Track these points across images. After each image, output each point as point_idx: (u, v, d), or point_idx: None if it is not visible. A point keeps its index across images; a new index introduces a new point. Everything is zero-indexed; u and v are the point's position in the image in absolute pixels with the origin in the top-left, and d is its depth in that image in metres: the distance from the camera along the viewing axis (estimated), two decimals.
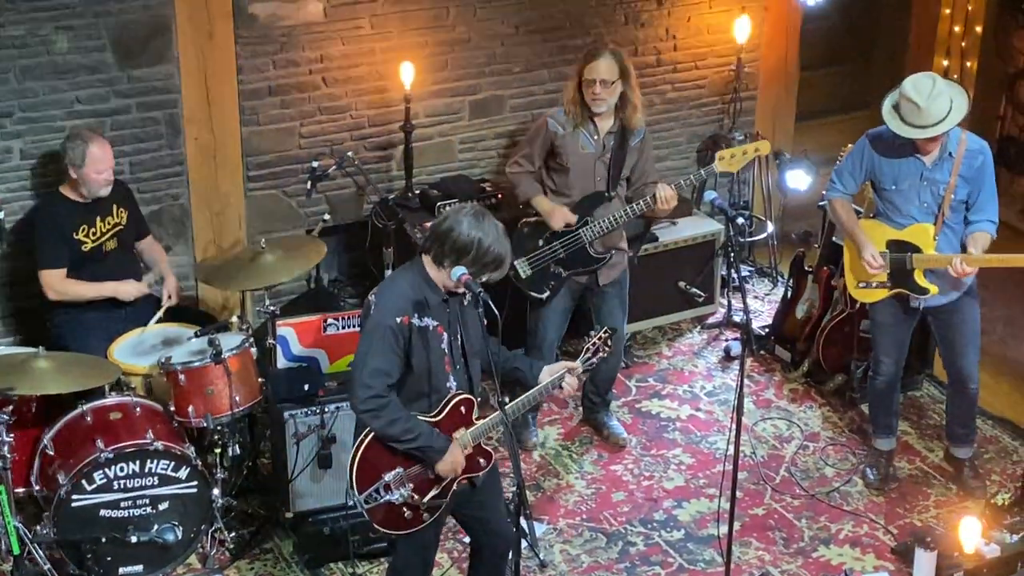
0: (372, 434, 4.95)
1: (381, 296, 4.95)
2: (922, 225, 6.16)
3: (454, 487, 5.10)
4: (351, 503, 5.05)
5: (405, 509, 5.04)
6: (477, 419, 5.08)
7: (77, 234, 6.45)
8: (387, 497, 5.00)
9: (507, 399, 5.05)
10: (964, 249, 6.14)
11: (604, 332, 5.27)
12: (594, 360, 5.28)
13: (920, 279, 6.19)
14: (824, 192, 6.58)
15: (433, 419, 5.01)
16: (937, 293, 6.19)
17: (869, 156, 6.23)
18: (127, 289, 6.53)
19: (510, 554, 5.27)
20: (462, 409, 5.05)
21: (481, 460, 5.13)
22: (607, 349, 5.27)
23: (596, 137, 6.42)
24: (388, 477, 4.99)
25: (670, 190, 6.33)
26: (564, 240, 6.48)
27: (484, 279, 4.97)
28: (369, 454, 4.98)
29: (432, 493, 5.06)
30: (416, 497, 5.03)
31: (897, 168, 6.16)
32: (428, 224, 7.13)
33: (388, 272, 6.80)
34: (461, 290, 4.94)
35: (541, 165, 6.55)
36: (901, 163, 6.15)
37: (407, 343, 4.88)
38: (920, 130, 5.95)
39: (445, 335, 4.96)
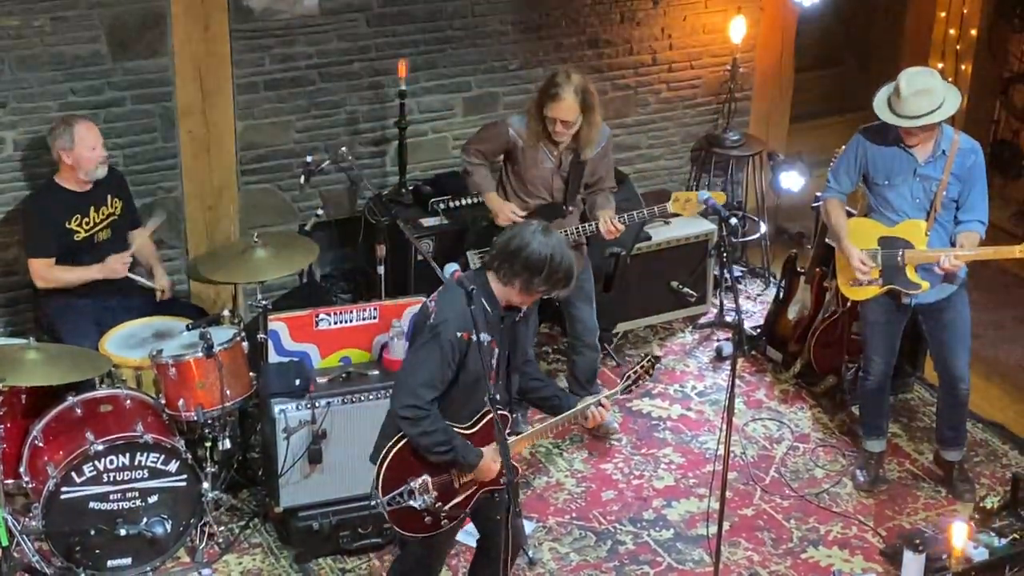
0: (405, 439, 4.94)
1: (444, 307, 4.90)
2: (914, 221, 6.19)
3: (476, 497, 5.10)
4: (373, 503, 5.04)
5: (426, 515, 5.03)
6: (509, 435, 5.07)
7: (70, 223, 6.44)
8: (410, 502, 4.98)
9: (498, 396, 5.05)
10: (953, 247, 6.16)
11: (647, 361, 5.26)
12: (633, 388, 5.28)
13: (912, 275, 6.21)
14: (818, 194, 6.59)
15: (467, 431, 5.00)
16: (929, 288, 6.21)
17: (863, 150, 6.27)
18: (113, 267, 6.49)
19: (460, 534, 5.32)
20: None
21: None
22: (649, 377, 5.28)
23: (555, 152, 6.42)
24: (413, 484, 4.98)
25: (617, 224, 6.37)
26: None
27: (554, 295, 4.99)
28: (398, 458, 4.97)
29: (455, 502, 5.06)
30: (439, 505, 5.03)
31: (890, 163, 6.19)
32: (423, 226, 7.19)
33: (380, 269, 6.80)
34: (528, 305, 4.96)
35: (494, 159, 6.59)
36: (894, 158, 6.18)
37: (463, 357, 4.86)
38: (899, 119, 6.02)
39: (496, 350, 4.96)
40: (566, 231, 6.44)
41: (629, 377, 5.26)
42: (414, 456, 4.96)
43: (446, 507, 5.05)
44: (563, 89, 6.21)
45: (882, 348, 6.49)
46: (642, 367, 5.25)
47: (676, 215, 6.49)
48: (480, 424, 5.02)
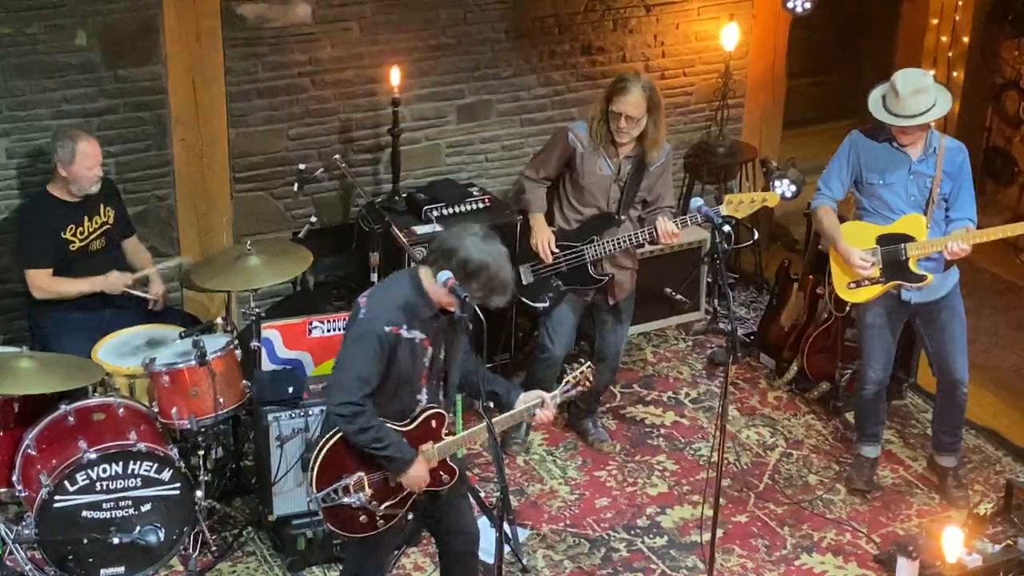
0: (340, 435, 4.94)
1: (373, 302, 4.91)
2: (914, 215, 6.23)
3: (412, 499, 5.08)
4: (308, 500, 5.03)
5: (361, 513, 5.02)
6: (446, 435, 5.05)
7: (65, 233, 6.43)
8: (344, 499, 4.98)
9: (492, 405, 5.05)
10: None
11: (588, 367, 5.24)
12: (572, 393, 5.23)
13: (915, 268, 6.25)
14: (810, 202, 6.60)
15: (403, 428, 4.98)
16: (933, 280, 6.23)
17: (855, 152, 6.31)
18: (110, 281, 6.50)
19: (479, 552, 5.29)
20: (433, 423, 5.02)
21: (444, 476, 5.10)
22: (588, 383, 5.23)
23: (615, 159, 6.38)
24: (348, 480, 4.97)
25: (673, 226, 6.31)
26: (568, 255, 6.48)
27: (490, 303, 4.91)
28: (333, 454, 4.96)
29: (390, 502, 5.04)
30: (374, 503, 5.01)
31: (884, 162, 6.24)
32: (416, 233, 7.18)
33: (374, 276, 6.79)
34: (453, 308, 4.89)
35: (554, 176, 6.54)
36: (888, 157, 6.23)
37: (391, 353, 4.84)
38: (896, 118, 6.07)
39: (430, 349, 4.93)
40: (618, 240, 6.41)
41: (568, 383, 5.21)
42: (349, 452, 4.95)
43: (381, 507, 5.03)
44: (631, 83, 6.20)
45: (879, 354, 6.49)
46: (582, 372, 5.20)
47: (732, 217, 6.37)
48: (416, 423, 4.99)
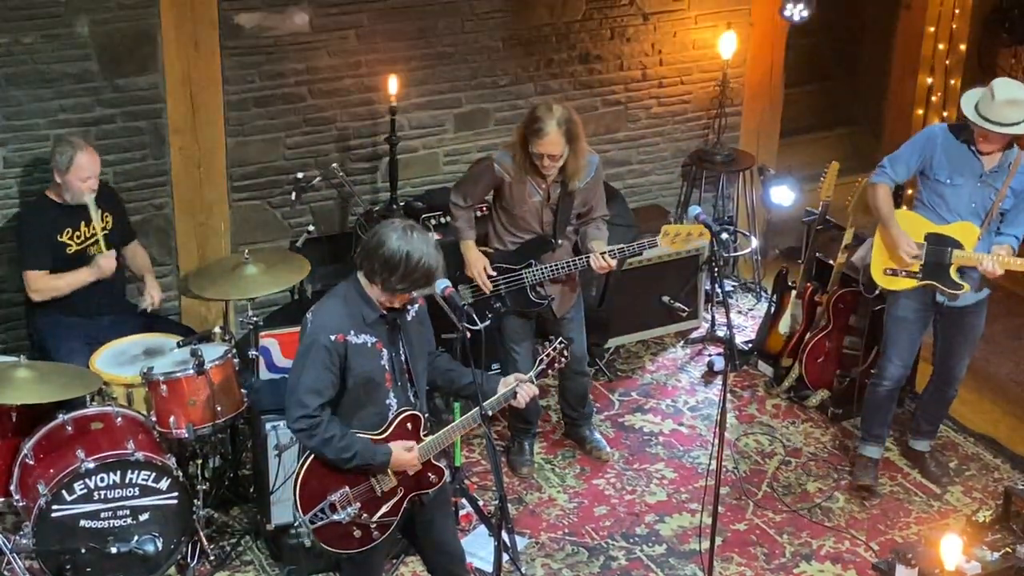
0: (313, 453, 4.91)
1: (316, 314, 4.89)
2: (969, 223, 6.27)
3: (404, 504, 5.05)
4: (296, 525, 4.98)
5: (354, 528, 4.99)
6: (425, 435, 5.03)
7: (61, 237, 6.43)
8: (334, 517, 4.95)
9: (489, 412, 5.02)
10: None
11: (560, 343, 5.19)
12: (549, 371, 5.19)
13: (955, 275, 6.28)
14: (871, 178, 6.52)
15: (380, 437, 4.95)
16: (969, 291, 6.28)
17: (932, 145, 6.33)
18: (101, 264, 6.44)
19: (478, 561, 5.27)
20: (408, 425, 4.99)
21: (432, 476, 5.07)
22: (564, 360, 5.19)
23: (543, 185, 6.33)
24: (333, 497, 4.95)
25: (609, 260, 6.27)
26: (508, 277, 6.45)
27: (418, 294, 4.88)
28: (312, 474, 4.93)
29: (382, 511, 5.01)
30: (365, 516, 4.98)
31: (957, 162, 6.26)
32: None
33: None
34: (397, 305, 4.88)
35: (481, 202, 6.53)
36: (963, 159, 6.25)
37: (343, 360, 4.82)
38: (983, 121, 6.08)
39: (385, 351, 4.89)
40: (556, 264, 6.38)
41: (542, 361, 5.16)
42: (328, 469, 4.92)
43: (373, 518, 4.99)
44: (545, 123, 6.08)
45: (903, 350, 6.55)
46: (555, 349, 5.16)
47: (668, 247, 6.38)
48: (391, 428, 4.95)
